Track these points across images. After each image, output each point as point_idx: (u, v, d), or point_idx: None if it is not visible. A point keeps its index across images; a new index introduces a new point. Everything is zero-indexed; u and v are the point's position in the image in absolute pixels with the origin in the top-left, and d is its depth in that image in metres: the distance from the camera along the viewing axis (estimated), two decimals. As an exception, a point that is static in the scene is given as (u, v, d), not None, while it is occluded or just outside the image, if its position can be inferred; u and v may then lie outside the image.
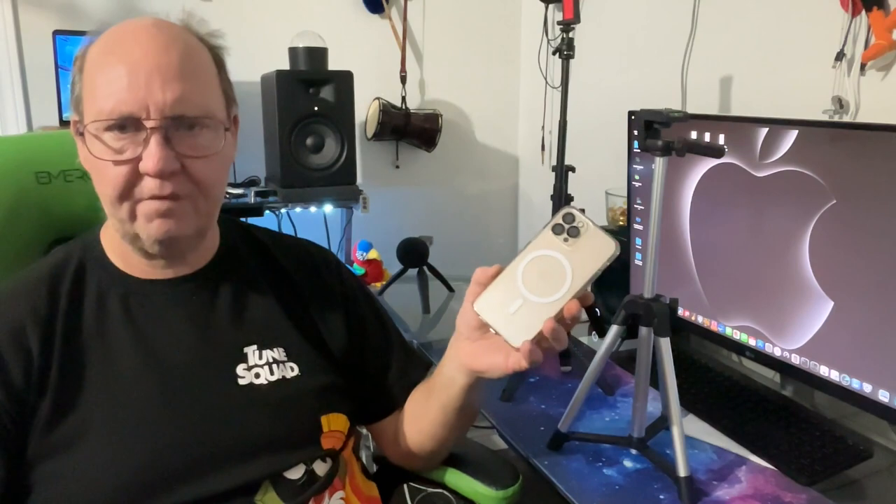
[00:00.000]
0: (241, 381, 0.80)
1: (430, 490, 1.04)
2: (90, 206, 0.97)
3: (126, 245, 0.78)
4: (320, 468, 0.84)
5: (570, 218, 0.73)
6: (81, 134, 0.74)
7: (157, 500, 0.73)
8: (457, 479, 1.01)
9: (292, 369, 0.84)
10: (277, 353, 0.84)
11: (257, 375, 0.81)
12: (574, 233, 0.73)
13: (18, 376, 0.71)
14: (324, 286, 0.92)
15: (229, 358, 0.81)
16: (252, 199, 1.83)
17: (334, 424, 0.86)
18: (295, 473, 0.82)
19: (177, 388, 0.77)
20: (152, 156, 0.70)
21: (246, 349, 0.82)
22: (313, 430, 0.84)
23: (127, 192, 0.72)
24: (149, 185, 0.72)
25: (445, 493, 1.02)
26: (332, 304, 0.91)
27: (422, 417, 0.90)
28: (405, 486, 1.08)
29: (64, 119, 1.85)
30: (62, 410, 0.72)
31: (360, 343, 0.92)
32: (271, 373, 0.82)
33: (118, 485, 0.71)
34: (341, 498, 0.87)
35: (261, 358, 0.82)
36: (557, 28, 1.38)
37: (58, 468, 0.71)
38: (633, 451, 1.07)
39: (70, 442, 0.72)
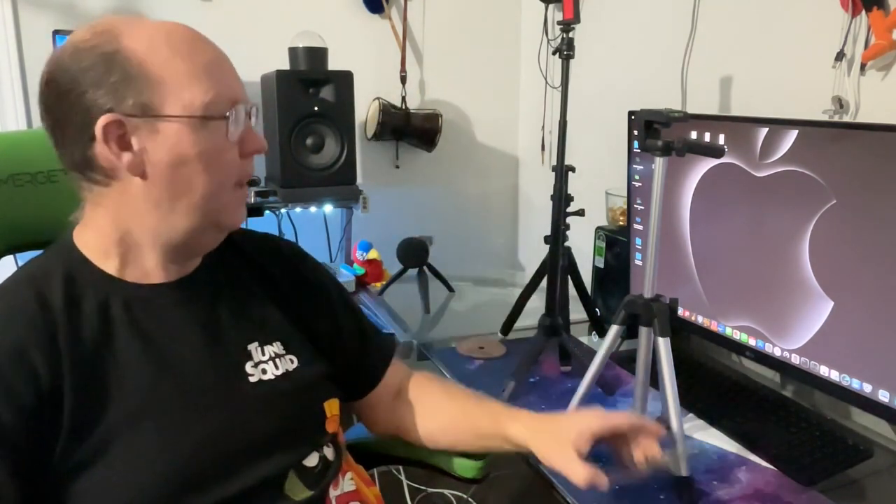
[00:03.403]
0: (252, 379, 0.82)
1: (431, 490, 1.05)
2: (41, 213, 0.94)
3: (141, 248, 0.77)
4: (329, 453, 0.87)
5: None
6: (116, 137, 0.72)
7: (190, 503, 0.73)
8: (437, 456, 1.06)
9: (292, 361, 0.86)
10: (277, 348, 0.86)
11: (264, 371, 0.83)
12: None
13: (29, 398, 0.68)
14: (298, 276, 0.95)
15: (237, 357, 0.82)
16: (252, 199, 1.83)
17: (333, 409, 0.89)
18: (312, 461, 0.85)
19: (193, 391, 0.77)
20: (259, 137, 0.78)
21: (249, 347, 0.83)
22: (320, 417, 0.87)
23: (238, 177, 0.78)
24: (248, 168, 0.79)
25: (445, 493, 1.03)
26: (309, 293, 0.94)
27: (448, 426, 0.98)
28: (405, 485, 1.11)
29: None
30: (83, 427, 0.70)
31: (336, 326, 0.96)
32: (276, 367, 0.84)
33: (151, 493, 0.71)
34: (351, 479, 0.91)
35: (263, 354, 0.84)
36: (557, 28, 1.37)
37: (88, 484, 0.70)
38: (633, 451, 1.07)
39: (96, 457, 0.70)
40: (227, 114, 0.74)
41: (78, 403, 0.70)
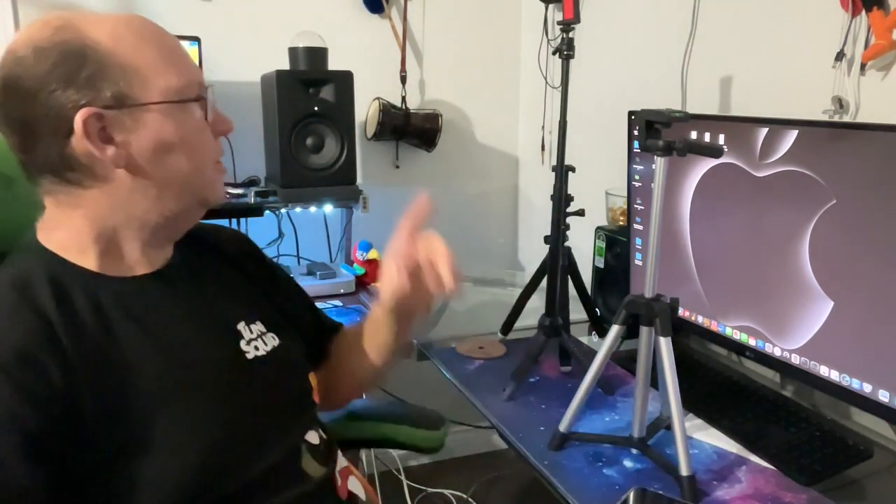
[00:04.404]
0: (249, 356, 0.83)
1: (431, 490, 1.08)
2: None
3: (123, 240, 0.76)
4: (321, 432, 0.91)
5: None
6: (97, 131, 0.71)
7: (223, 488, 0.74)
8: (397, 432, 1.18)
9: (274, 339, 0.88)
10: (260, 326, 0.88)
11: (257, 348, 0.85)
12: None
13: (48, 400, 0.65)
14: (257, 261, 0.98)
15: (230, 336, 0.83)
16: (252, 199, 1.83)
17: (313, 381, 0.94)
18: (314, 439, 0.88)
19: (204, 374, 0.78)
20: (227, 117, 0.81)
21: (238, 326, 0.85)
22: (308, 389, 0.91)
23: (216, 156, 0.81)
24: (220, 147, 0.81)
25: (445, 493, 1.06)
26: (268, 276, 0.98)
27: (355, 362, 1.01)
28: (405, 485, 1.15)
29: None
30: (105, 423, 0.68)
31: (292, 304, 1.00)
32: (265, 343, 0.86)
33: (184, 483, 0.71)
34: (342, 455, 0.95)
35: (252, 332, 0.86)
36: (557, 28, 1.37)
37: (118, 485, 0.69)
38: (634, 451, 1.07)
39: (122, 455, 0.69)
40: (203, 96, 0.77)
41: (95, 398, 0.68)
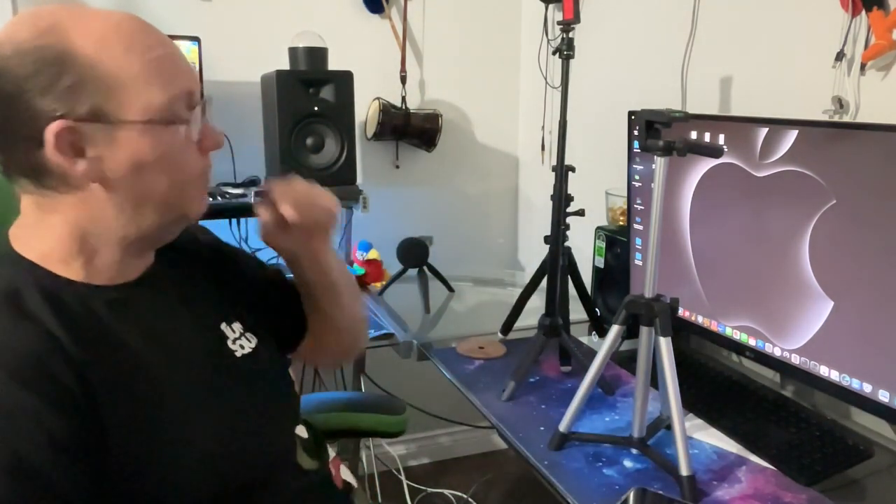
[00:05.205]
0: (237, 354, 0.84)
1: (430, 490, 1.09)
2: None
3: (103, 250, 0.73)
4: (310, 427, 0.93)
5: None
6: (69, 143, 0.67)
7: (232, 487, 0.75)
8: (363, 420, 1.24)
9: (252, 338, 0.88)
10: (238, 325, 0.88)
11: (242, 346, 0.85)
12: None
13: (68, 404, 0.64)
14: (219, 254, 0.95)
15: (218, 336, 0.84)
16: (252, 199, 1.83)
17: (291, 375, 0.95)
18: (304, 433, 0.89)
19: (205, 375, 0.79)
20: (216, 132, 0.77)
21: (221, 326, 0.85)
22: (291, 383, 0.93)
23: (200, 171, 0.77)
24: (208, 160, 0.78)
25: (445, 493, 1.07)
26: (232, 267, 0.95)
27: (318, 316, 1.00)
28: (405, 485, 1.17)
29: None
30: (126, 431, 0.68)
31: (262, 286, 0.98)
32: (249, 340, 0.87)
33: (204, 484, 0.72)
34: (329, 447, 0.98)
35: (234, 331, 0.86)
36: (557, 28, 1.38)
37: (147, 485, 0.69)
38: (634, 451, 1.07)
39: (147, 456, 0.69)
40: (187, 116, 0.72)
41: (111, 405, 0.67)
